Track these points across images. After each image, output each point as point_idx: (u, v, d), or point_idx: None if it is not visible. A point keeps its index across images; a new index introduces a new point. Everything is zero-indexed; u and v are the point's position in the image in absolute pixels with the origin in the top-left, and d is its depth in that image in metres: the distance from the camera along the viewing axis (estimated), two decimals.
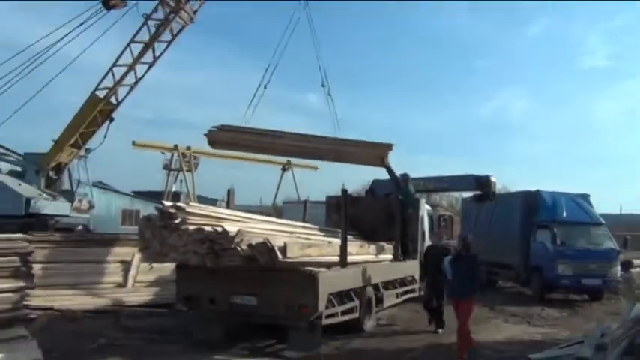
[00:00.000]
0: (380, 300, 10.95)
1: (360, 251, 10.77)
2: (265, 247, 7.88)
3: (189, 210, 8.40)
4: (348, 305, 9.37)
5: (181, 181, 34.38)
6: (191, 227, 8.12)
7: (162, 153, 34.41)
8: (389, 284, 11.65)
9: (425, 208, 14.60)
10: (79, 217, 17.75)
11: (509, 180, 43.56)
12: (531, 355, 8.21)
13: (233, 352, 8.32)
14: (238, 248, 7.75)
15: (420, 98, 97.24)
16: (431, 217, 15.60)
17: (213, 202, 31.36)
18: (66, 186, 17.23)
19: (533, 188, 17.44)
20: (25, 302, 7.88)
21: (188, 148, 32.81)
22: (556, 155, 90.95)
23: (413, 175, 14.41)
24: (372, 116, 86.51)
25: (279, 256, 7.91)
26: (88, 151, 17.67)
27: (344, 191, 10.68)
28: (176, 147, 32.47)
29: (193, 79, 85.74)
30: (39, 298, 10.16)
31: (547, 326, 11.78)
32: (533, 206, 16.82)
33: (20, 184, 15.59)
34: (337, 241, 9.78)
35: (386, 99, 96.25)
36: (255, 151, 15.06)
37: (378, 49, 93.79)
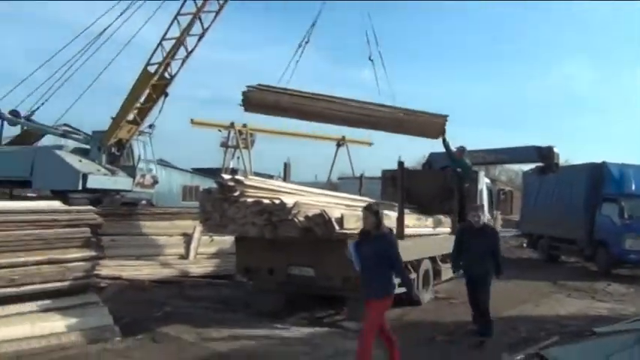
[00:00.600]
0: (437, 273, 10.87)
1: (417, 224, 10.69)
2: (322, 219, 7.94)
3: (247, 183, 8.56)
4: None
5: (238, 157, 34.92)
6: (249, 199, 8.29)
7: (220, 130, 35.01)
8: (447, 257, 11.51)
9: (484, 181, 14.26)
10: (143, 192, 18.39)
11: (572, 152, 41.88)
12: (597, 329, 7.95)
13: (292, 322, 8.49)
14: (295, 220, 7.85)
15: (478, 70, 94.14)
16: (490, 191, 15.21)
17: (269, 177, 31.73)
18: (130, 162, 17.82)
19: (598, 160, 16.76)
20: (96, 271, 8.26)
21: (244, 126, 33.24)
22: (623, 126, 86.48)
23: (472, 148, 14.11)
24: (424, 89, 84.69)
25: (336, 227, 7.96)
26: (152, 127, 18.15)
27: (400, 164, 10.57)
28: (232, 124, 32.96)
29: (250, 57, 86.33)
30: (108, 268, 10.68)
31: (613, 302, 11.37)
32: (599, 178, 16.15)
33: (81, 161, 16.23)
34: (394, 214, 9.73)
35: (440, 71, 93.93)
36: (303, 117, 12.89)
37: (430, 19, 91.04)
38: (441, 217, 11.93)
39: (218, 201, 8.51)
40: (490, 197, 14.98)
